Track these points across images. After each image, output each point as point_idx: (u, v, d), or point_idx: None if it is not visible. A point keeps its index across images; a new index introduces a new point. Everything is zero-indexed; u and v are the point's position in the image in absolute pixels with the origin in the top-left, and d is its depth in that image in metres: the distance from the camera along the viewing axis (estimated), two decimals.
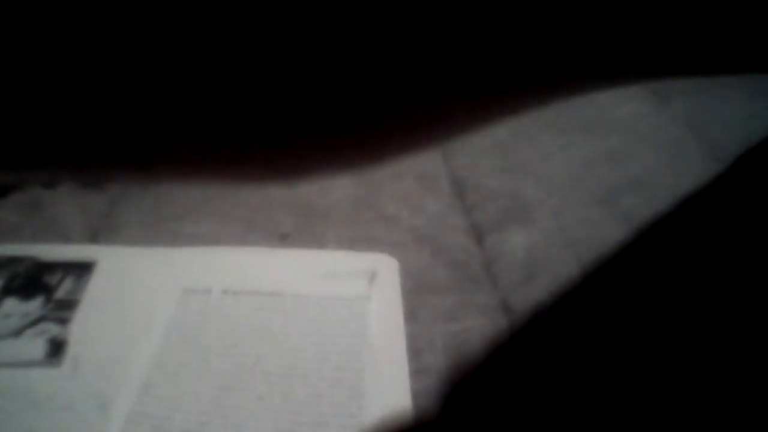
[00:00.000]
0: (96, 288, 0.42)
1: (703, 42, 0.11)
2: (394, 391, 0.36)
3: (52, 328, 0.39)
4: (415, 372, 0.37)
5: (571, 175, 0.56)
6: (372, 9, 0.09)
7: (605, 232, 0.47)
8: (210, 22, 0.09)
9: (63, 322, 0.39)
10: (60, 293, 0.41)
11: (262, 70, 0.09)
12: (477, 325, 0.40)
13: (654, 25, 0.10)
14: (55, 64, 0.09)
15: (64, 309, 0.40)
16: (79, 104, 0.09)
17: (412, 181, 0.53)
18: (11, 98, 0.09)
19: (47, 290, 0.41)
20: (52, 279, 0.42)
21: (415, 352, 0.38)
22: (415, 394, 0.36)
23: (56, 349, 0.38)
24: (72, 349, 0.38)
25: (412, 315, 0.41)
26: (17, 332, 0.39)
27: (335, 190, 0.51)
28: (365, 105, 0.10)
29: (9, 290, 0.41)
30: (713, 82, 0.68)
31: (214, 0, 0.08)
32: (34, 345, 0.38)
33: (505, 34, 0.10)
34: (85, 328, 0.39)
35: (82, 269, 0.43)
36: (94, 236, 0.47)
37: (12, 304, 0.40)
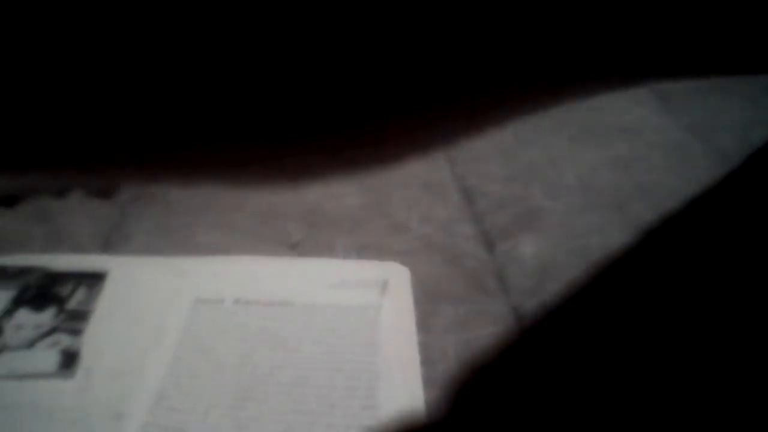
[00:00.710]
0: (108, 298, 0.42)
1: (707, 43, 0.11)
2: (408, 400, 0.36)
3: (65, 340, 0.39)
4: (428, 381, 0.37)
5: (579, 182, 0.56)
6: (379, 12, 0.09)
7: (614, 238, 0.47)
8: (214, 25, 0.09)
9: (75, 333, 0.39)
10: (72, 304, 0.41)
11: (267, 72, 0.09)
12: (489, 334, 0.40)
13: (657, 27, 0.10)
14: (59, 68, 0.09)
15: (76, 320, 0.40)
16: (84, 107, 0.09)
17: (421, 189, 0.53)
18: (16, 102, 0.09)
19: (59, 301, 0.41)
20: (63, 289, 0.42)
21: (427, 361, 0.38)
22: (429, 404, 0.36)
23: (69, 360, 0.38)
24: (85, 361, 0.38)
25: (423, 324, 0.41)
26: (30, 343, 0.39)
27: (344, 198, 0.52)
28: (370, 107, 0.10)
29: (21, 301, 0.41)
30: (718, 84, 0.68)
31: (218, 2, 0.08)
32: (47, 356, 0.38)
33: (509, 37, 0.10)
34: (97, 339, 0.39)
35: (93, 279, 0.43)
36: (105, 245, 0.47)
37: (24, 315, 0.40)
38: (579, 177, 0.56)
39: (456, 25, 0.09)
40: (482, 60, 0.10)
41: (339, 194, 0.52)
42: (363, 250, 0.47)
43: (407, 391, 0.37)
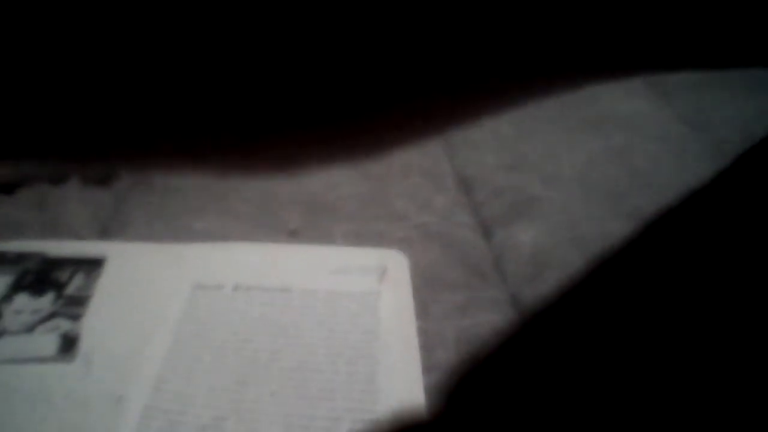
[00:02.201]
0: (107, 284, 0.42)
1: (705, 36, 0.11)
2: (408, 386, 0.36)
3: (64, 324, 0.39)
4: (427, 367, 0.37)
5: (577, 172, 0.56)
6: (376, 4, 0.09)
7: (611, 227, 0.47)
8: (214, 17, 0.09)
9: (75, 317, 0.39)
10: (71, 289, 0.41)
11: (266, 62, 0.09)
12: (487, 321, 0.40)
13: (655, 19, 0.10)
14: (60, 58, 0.09)
15: (75, 305, 0.40)
16: (84, 97, 0.09)
17: (419, 178, 0.54)
18: (14, 91, 0.09)
19: (58, 286, 0.41)
20: (62, 275, 0.42)
21: (426, 347, 0.39)
22: (428, 390, 0.36)
23: (69, 344, 0.38)
24: (84, 345, 0.38)
25: (422, 311, 0.41)
26: (29, 328, 0.39)
27: (342, 186, 0.52)
28: (368, 97, 0.10)
29: (20, 286, 0.41)
30: (715, 77, 0.68)
31: None
32: (47, 341, 0.38)
33: (506, 27, 0.10)
34: (97, 323, 0.39)
35: (92, 265, 0.43)
36: (103, 232, 0.47)
37: (23, 300, 0.40)
38: (576, 167, 0.56)
39: (453, 16, 0.09)
40: (479, 51, 0.10)
41: (338, 182, 0.52)
42: (361, 238, 0.47)
43: (406, 376, 0.37)
